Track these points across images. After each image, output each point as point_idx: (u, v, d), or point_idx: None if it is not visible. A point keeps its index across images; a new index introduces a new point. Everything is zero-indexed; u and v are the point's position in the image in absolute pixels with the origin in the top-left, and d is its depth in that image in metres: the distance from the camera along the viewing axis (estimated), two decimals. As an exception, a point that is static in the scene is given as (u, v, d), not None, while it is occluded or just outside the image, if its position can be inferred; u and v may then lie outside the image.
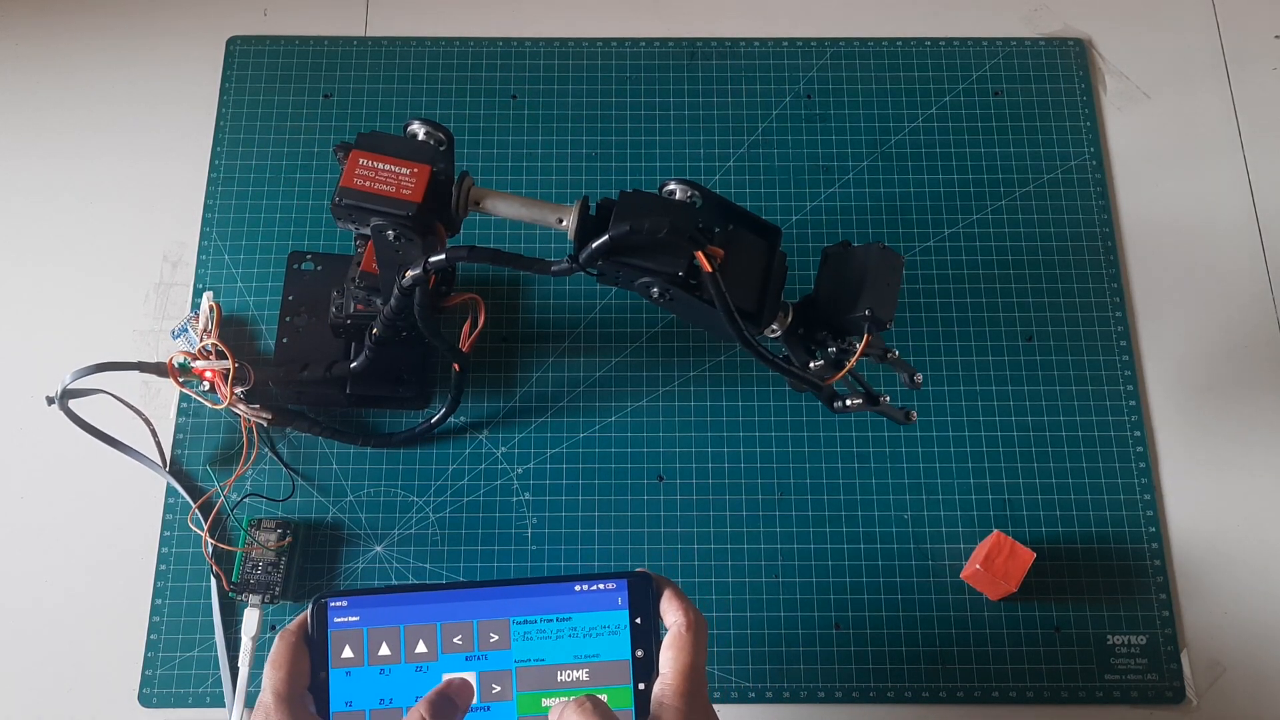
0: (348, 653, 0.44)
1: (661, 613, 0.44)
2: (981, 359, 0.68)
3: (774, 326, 0.53)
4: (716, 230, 0.51)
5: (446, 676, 0.43)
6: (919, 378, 0.55)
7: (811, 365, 0.54)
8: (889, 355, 0.54)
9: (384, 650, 0.44)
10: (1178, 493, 0.66)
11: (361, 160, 0.51)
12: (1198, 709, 0.61)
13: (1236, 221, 0.72)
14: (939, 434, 0.67)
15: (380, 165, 0.51)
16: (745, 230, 0.52)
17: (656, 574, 0.45)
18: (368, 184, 0.51)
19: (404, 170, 0.51)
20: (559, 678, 0.44)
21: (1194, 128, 0.75)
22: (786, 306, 0.53)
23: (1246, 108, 0.75)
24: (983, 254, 0.71)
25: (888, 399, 0.54)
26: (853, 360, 0.52)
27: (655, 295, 0.51)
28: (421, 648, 0.44)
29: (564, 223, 0.52)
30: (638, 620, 0.44)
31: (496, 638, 0.44)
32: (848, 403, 0.54)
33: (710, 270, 0.48)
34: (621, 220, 0.48)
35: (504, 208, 0.53)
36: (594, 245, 0.49)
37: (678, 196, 0.51)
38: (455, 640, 0.44)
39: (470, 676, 0.44)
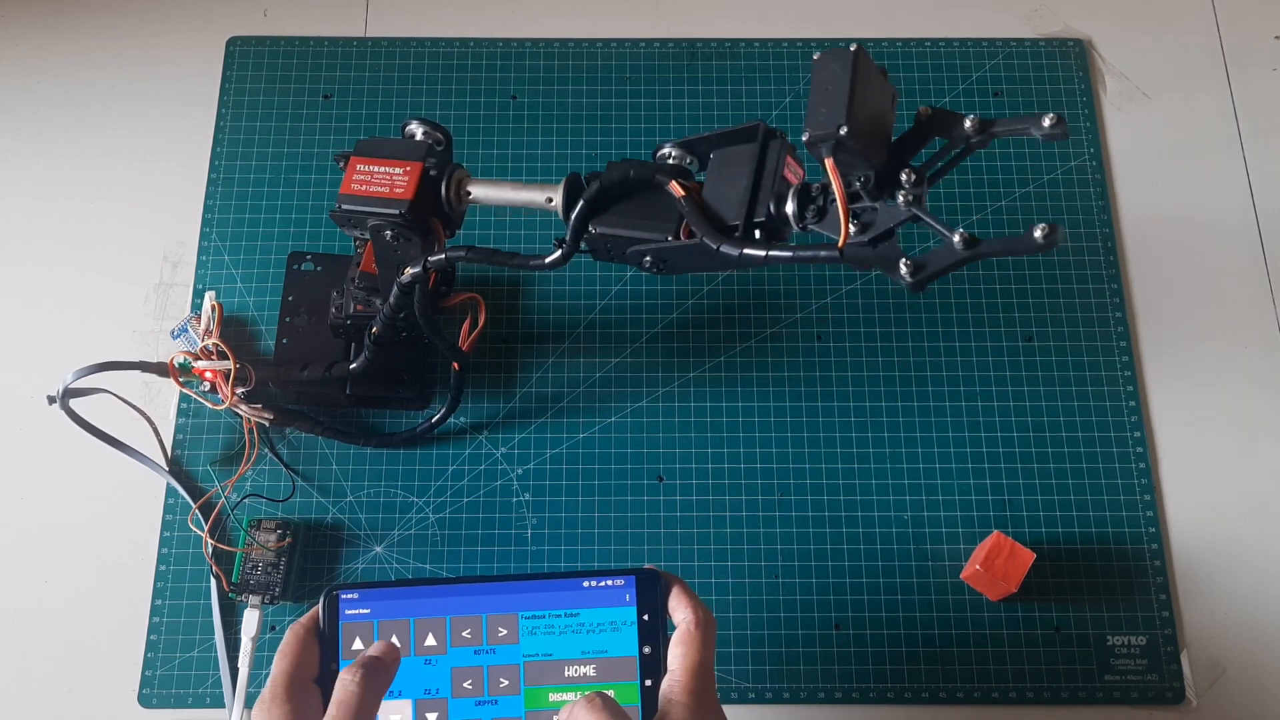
0: (358, 645, 0.44)
1: (670, 610, 0.45)
2: (981, 359, 0.68)
3: (788, 216, 0.46)
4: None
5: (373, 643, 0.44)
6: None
7: (852, 230, 0.43)
8: (968, 121, 0.42)
9: (394, 642, 0.44)
10: (1178, 493, 0.66)
11: (359, 166, 0.52)
12: (1197, 709, 0.61)
13: (1236, 221, 0.72)
14: (939, 434, 0.67)
15: (376, 168, 0.52)
16: (730, 147, 0.48)
17: (665, 571, 0.45)
18: (363, 188, 0.52)
19: (397, 170, 0.52)
20: (566, 673, 0.44)
21: (1194, 128, 0.75)
22: (790, 192, 0.47)
23: (1246, 108, 0.75)
24: (983, 254, 0.71)
25: (966, 235, 0.40)
26: (841, 201, 0.42)
27: (648, 264, 0.49)
28: (431, 640, 0.45)
29: (553, 201, 0.51)
30: (645, 617, 0.45)
31: (505, 632, 0.45)
32: (906, 268, 0.41)
33: (681, 194, 0.46)
34: (595, 180, 0.48)
35: (494, 193, 0.53)
36: (575, 213, 0.48)
37: (671, 160, 0.50)
38: (464, 634, 0.45)
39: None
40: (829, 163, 0.41)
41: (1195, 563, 0.64)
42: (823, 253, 0.43)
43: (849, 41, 0.76)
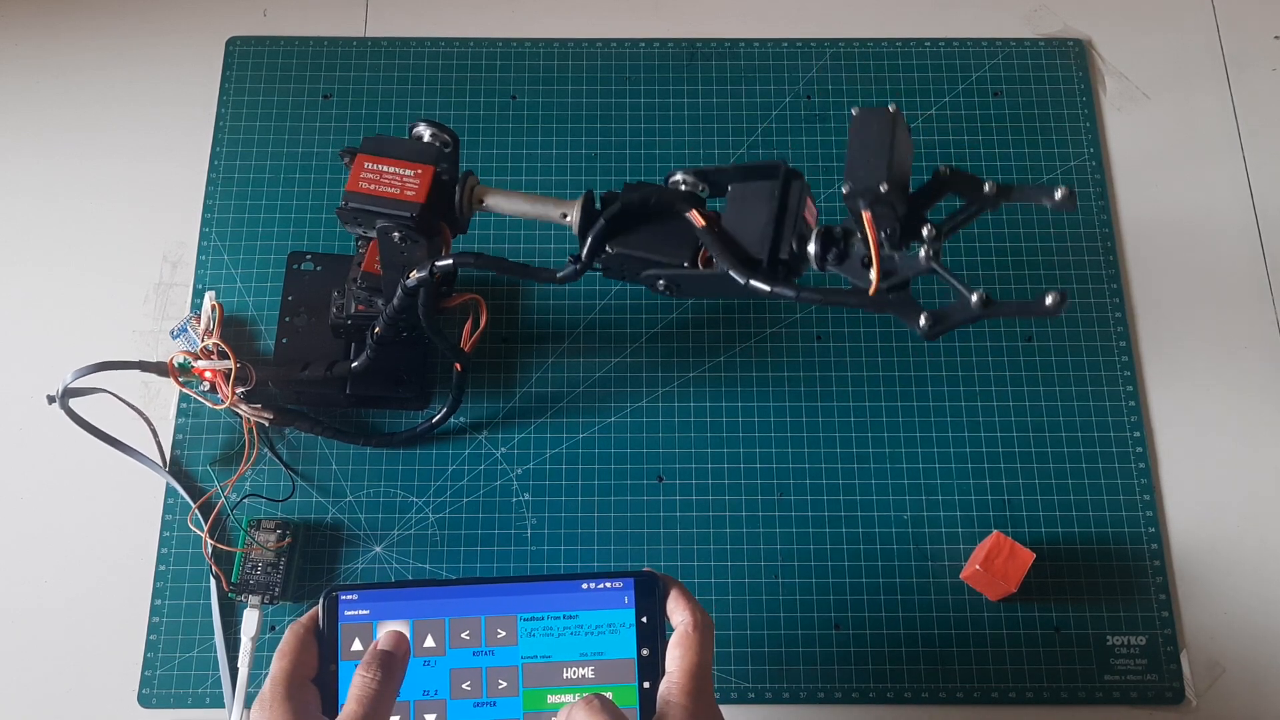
0: (357, 645, 0.44)
1: (668, 612, 0.45)
2: (981, 359, 0.68)
3: (808, 255, 0.48)
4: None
5: (380, 635, 0.44)
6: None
7: (872, 275, 0.45)
8: (986, 188, 0.45)
9: (401, 632, 0.44)
10: (1178, 493, 0.66)
11: (367, 164, 0.51)
12: (1197, 709, 0.61)
13: (1236, 221, 0.72)
14: (939, 434, 0.67)
15: (385, 168, 0.52)
16: (749, 181, 0.49)
17: (663, 574, 0.46)
18: (372, 187, 0.51)
19: (408, 172, 0.51)
20: (564, 675, 0.44)
21: (1194, 128, 0.75)
22: (813, 232, 0.48)
23: (1246, 108, 0.75)
24: (982, 254, 0.71)
25: (983, 295, 0.43)
26: (874, 250, 0.44)
27: (661, 286, 0.50)
28: (430, 642, 0.45)
29: (568, 218, 0.52)
30: (644, 619, 0.45)
31: (504, 634, 0.45)
32: (922, 323, 0.44)
33: (703, 224, 0.47)
34: (616, 201, 0.48)
35: (507, 205, 0.53)
36: (593, 231, 0.49)
37: (683, 186, 0.51)
38: (463, 635, 0.45)
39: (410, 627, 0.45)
40: (867, 216, 0.43)
41: (1195, 563, 0.64)
42: (851, 298, 0.46)
43: (849, 41, 0.76)
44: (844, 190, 0.43)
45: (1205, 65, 0.77)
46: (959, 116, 0.74)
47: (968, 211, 0.46)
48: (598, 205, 0.51)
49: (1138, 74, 0.77)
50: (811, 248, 0.47)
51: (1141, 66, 0.77)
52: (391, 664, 0.42)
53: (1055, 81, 0.76)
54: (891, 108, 0.44)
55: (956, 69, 0.76)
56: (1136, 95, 0.76)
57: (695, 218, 0.48)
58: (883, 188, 0.42)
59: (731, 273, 0.46)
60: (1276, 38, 0.78)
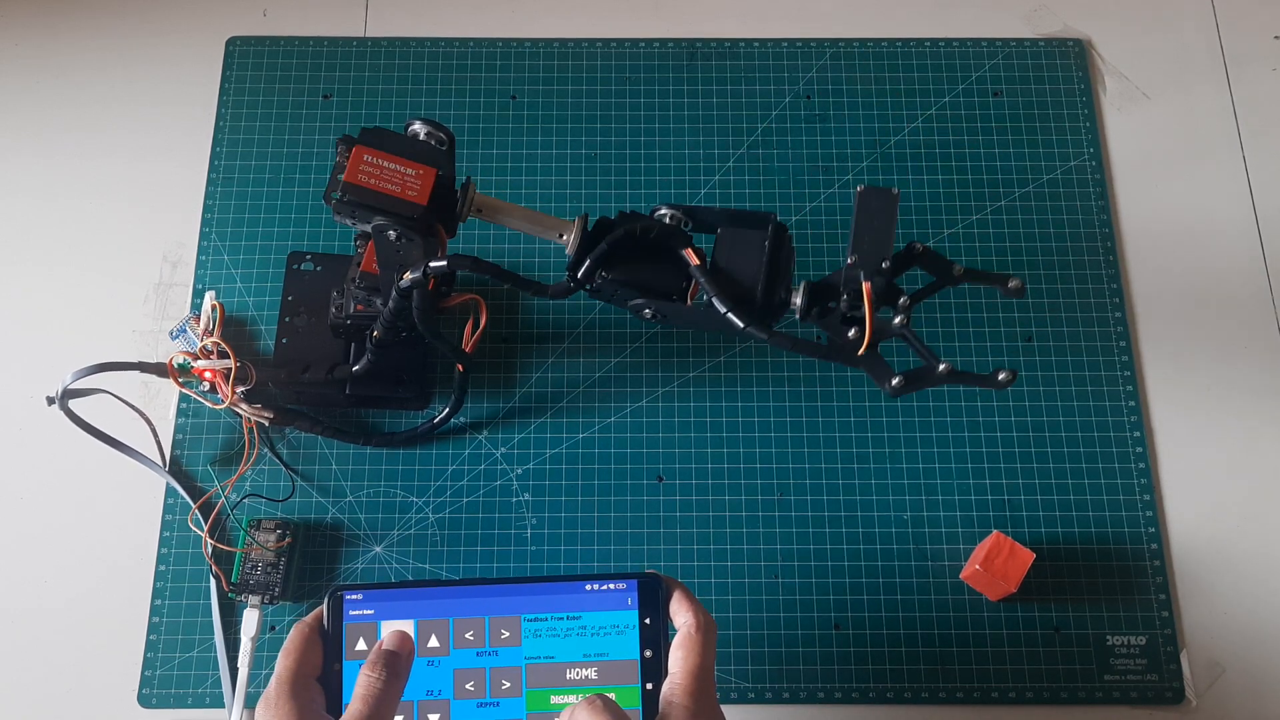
0: (362, 645, 0.44)
1: (671, 614, 0.45)
2: (981, 359, 0.68)
3: (793, 308, 0.51)
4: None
5: (385, 634, 0.44)
6: (1015, 282, 0.49)
7: (851, 335, 0.49)
8: (955, 269, 0.50)
9: (405, 631, 0.44)
10: (1178, 493, 0.66)
11: (366, 157, 0.50)
12: (1197, 709, 0.61)
13: (1236, 222, 0.72)
14: (939, 434, 0.67)
15: (386, 164, 0.51)
16: (739, 228, 0.52)
17: (666, 576, 0.46)
18: (373, 182, 0.50)
19: (410, 171, 0.51)
20: (568, 675, 0.45)
21: (1194, 128, 0.75)
22: (800, 286, 0.51)
23: (1246, 108, 0.75)
24: (982, 254, 0.71)
25: (948, 367, 0.47)
26: (869, 317, 0.48)
27: (648, 314, 0.52)
28: (434, 642, 0.45)
29: (564, 238, 0.53)
30: (647, 621, 0.45)
31: (508, 634, 0.45)
32: (895, 382, 0.48)
33: (698, 263, 0.50)
34: (617, 227, 0.50)
35: (507, 219, 0.54)
36: (594, 254, 0.50)
37: (668, 220, 0.53)
38: (467, 635, 0.45)
39: (408, 628, 0.45)
40: (867, 286, 0.47)
41: (1195, 563, 0.64)
42: (819, 351, 0.50)
43: (849, 41, 0.76)
44: (849, 261, 0.47)
45: (1205, 65, 0.77)
46: (959, 116, 0.75)
47: (936, 286, 0.50)
48: (589, 229, 0.52)
49: (1138, 74, 0.77)
50: (798, 300, 0.50)
51: (1141, 66, 0.77)
52: (396, 664, 0.42)
53: (1055, 81, 0.76)
54: (895, 191, 0.48)
55: (956, 69, 0.76)
56: (1136, 95, 0.76)
57: (691, 255, 0.50)
58: (885, 264, 0.47)
59: (731, 315, 0.49)
60: (1276, 38, 0.78)
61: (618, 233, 0.50)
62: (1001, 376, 0.47)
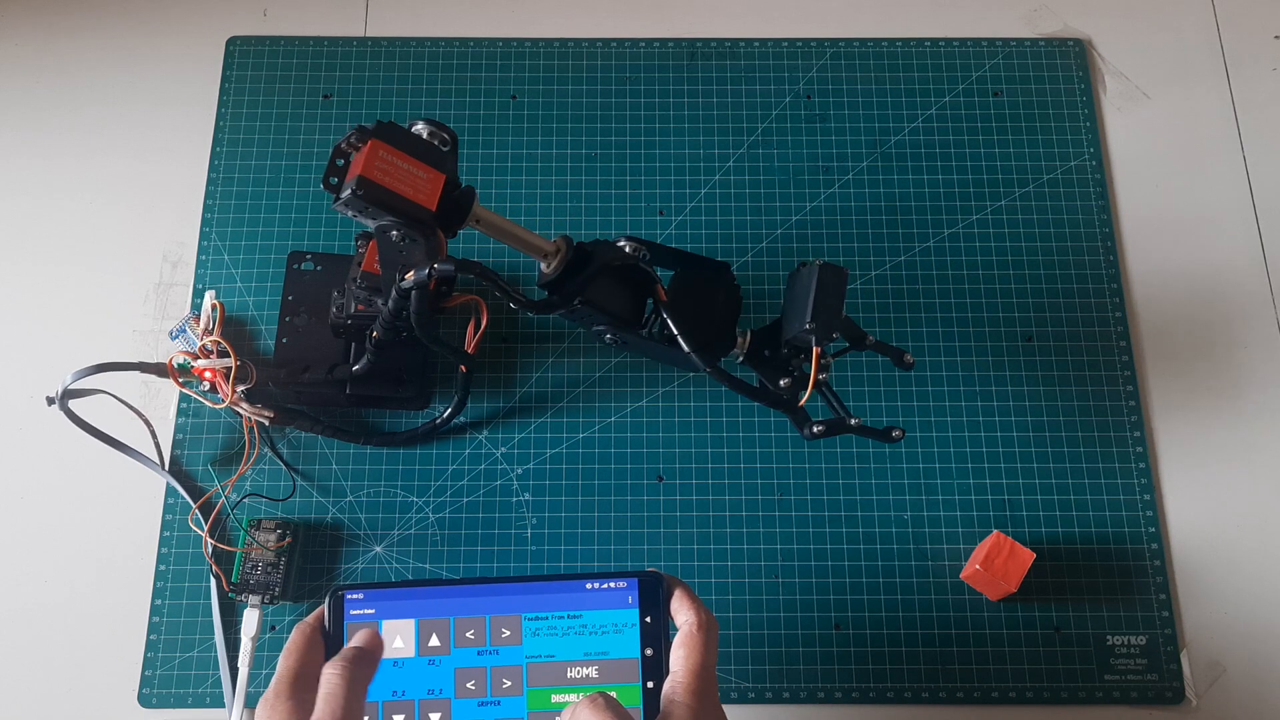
0: None
1: (672, 612, 0.45)
2: (981, 359, 0.68)
3: (735, 351, 0.57)
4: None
5: (355, 635, 0.44)
6: (909, 358, 0.57)
7: (783, 383, 0.56)
8: (867, 339, 0.56)
9: (398, 643, 0.45)
10: (1178, 493, 0.66)
11: (382, 153, 0.49)
12: (1197, 709, 0.61)
13: (1236, 222, 0.72)
14: (939, 434, 0.67)
15: (400, 163, 0.50)
16: (694, 271, 0.58)
17: (667, 574, 0.46)
18: (387, 180, 0.49)
19: (421, 174, 0.50)
20: (569, 674, 0.45)
21: (1194, 128, 0.75)
22: (745, 333, 0.58)
23: (1246, 108, 0.75)
24: (983, 254, 0.71)
25: (859, 421, 0.55)
26: (813, 374, 0.54)
27: (609, 339, 0.57)
28: (435, 641, 0.45)
29: (547, 259, 0.55)
30: (648, 619, 0.45)
31: (508, 633, 0.45)
32: (814, 429, 0.54)
33: (665, 299, 0.56)
34: (595, 258, 0.54)
35: (499, 236, 0.55)
36: (578, 279, 0.54)
37: (627, 251, 0.56)
38: (468, 634, 0.45)
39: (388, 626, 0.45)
40: (816, 350, 0.54)
41: (1195, 563, 0.64)
42: (753, 393, 0.57)
43: (849, 41, 0.76)
44: (806, 325, 0.53)
45: (1205, 65, 0.77)
46: (959, 116, 0.75)
47: (848, 349, 0.57)
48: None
49: (1138, 74, 0.77)
50: (742, 345, 0.57)
51: (1141, 66, 0.77)
52: (358, 660, 0.41)
53: (1055, 81, 0.76)
54: (845, 270, 0.54)
55: (956, 69, 0.76)
56: (1136, 95, 0.76)
57: (660, 292, 0.56)
58: (835, 334, 0.53)
59: (692, 354, 0.55)
60: (1276, 38, 0.78)
61: (597, 266, 0.54)
62: (895, 434, 0.56)
